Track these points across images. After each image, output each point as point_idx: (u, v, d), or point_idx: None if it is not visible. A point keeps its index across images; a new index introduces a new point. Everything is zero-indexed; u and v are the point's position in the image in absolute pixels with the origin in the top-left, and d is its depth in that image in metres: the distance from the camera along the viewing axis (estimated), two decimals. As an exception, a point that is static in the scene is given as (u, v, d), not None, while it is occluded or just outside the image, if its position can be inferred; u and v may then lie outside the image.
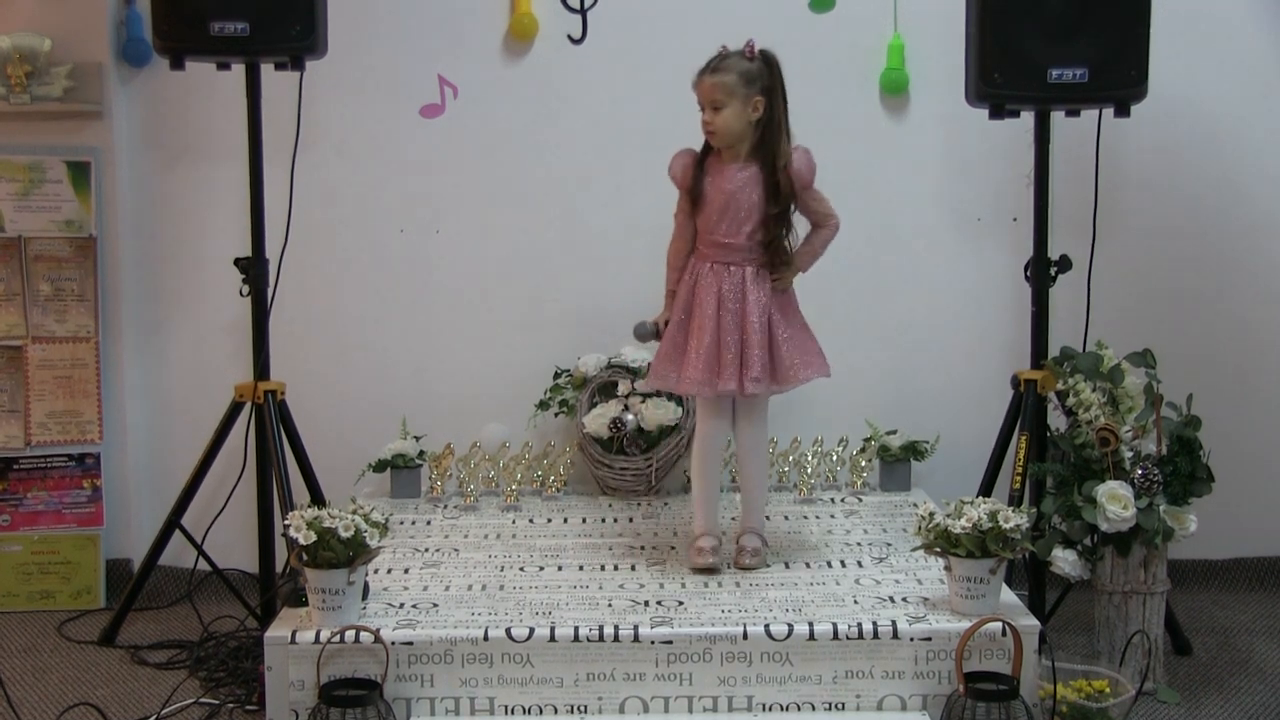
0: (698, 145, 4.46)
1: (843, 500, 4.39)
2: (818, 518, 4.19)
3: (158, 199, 4.55)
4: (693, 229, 3.70)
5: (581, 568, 3.72)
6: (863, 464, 4.48)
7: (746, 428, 3.75)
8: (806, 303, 4.55)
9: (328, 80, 4.30)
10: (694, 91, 3.64)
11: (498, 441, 4.49)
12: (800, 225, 3.76)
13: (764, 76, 3.62)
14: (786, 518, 4.19)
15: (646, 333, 3.76)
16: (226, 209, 4.45)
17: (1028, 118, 3.97)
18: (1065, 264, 4.01)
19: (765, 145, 3.63)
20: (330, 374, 4.57)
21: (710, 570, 3.65)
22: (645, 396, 4.40)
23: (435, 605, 3.42)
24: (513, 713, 3.23)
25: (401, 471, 4.44)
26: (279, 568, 4.05)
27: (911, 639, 3.21)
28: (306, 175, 4.23)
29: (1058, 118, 4.01)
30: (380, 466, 4.44)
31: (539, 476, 4.48)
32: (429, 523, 4.20)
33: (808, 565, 3.72)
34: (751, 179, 3.63)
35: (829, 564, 3.73)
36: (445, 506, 4.37)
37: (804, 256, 3.74)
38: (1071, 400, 3.77)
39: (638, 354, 4.45)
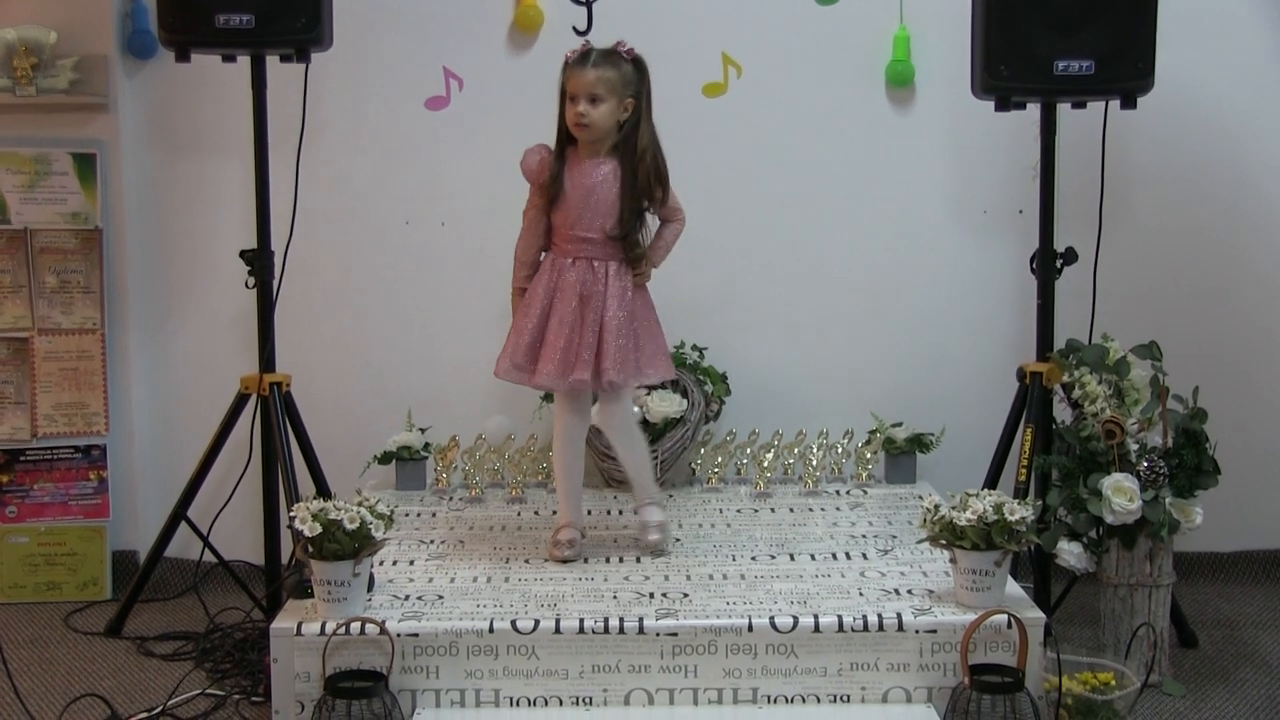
0: (699, 139, 4.50)
1: (848, 493, 4.39)
2: (823, 510, 4.19)
3: (163, 191, 4.56)
4: (545, 224, 3.70)
5: (586, 560, 3.72)
6: (868, 456, 4.48)
7: (609, 418, 3.76)
8: (806, 296, 4.58)
9: (333, 73, 4.30)
10: (564, 82, 3.62)
11: (503, 434, 4.49)
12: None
13: (637, 80, 3.64)
14: (791, 510, 4.19)
15: None
16: (232, 201, 4.46)
17: (1033, 110, 3.96)
18: (1071, 256, 4.00)
19: (627, 143, 3.64)
20: (335, 366, 4.57)
21: (567, 562, 3.67)
22: (650, 389, 4.40)
23: (440, 597, 3.42)
24: (518, 705, 3.23)
25: (407, 464, 4.45)
26: (285, 560, 4.05)
27: (917, 631, 3.21)
28: (312, 167, 4.22)
29: (1063, 110, 4.00)
30: (386, 459, 4.44)
31: (544, 469, 4.48)
32: (434, 515, 4.20)
33: (813, 557, 3.72)
34: (611, 174, 3.63)
35: (834, 556, 3.73)
36: (450, 499, 4.38)
37: (658, 252, 3.75)
38: (1077, 393, 3.77)
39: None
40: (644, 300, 3.74)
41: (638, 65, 3.64)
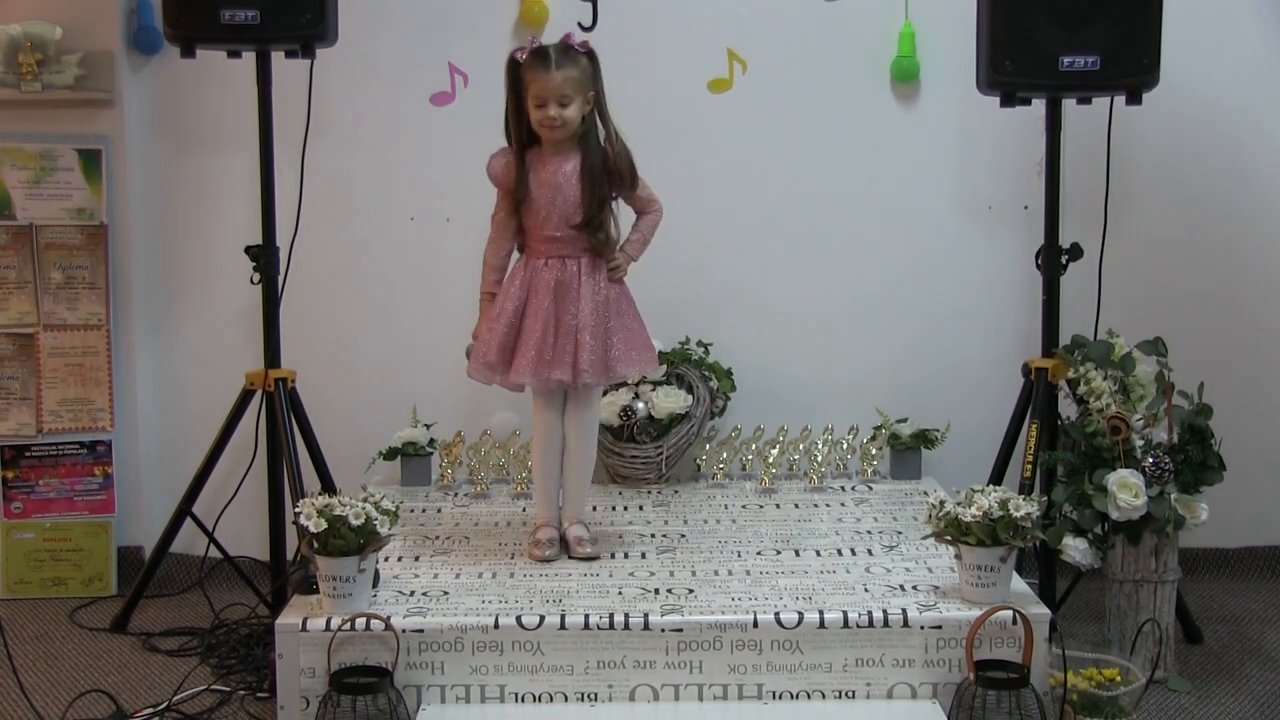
0: (704, 135, 4.50)
1: (853, 488, 4.39)
2: (828, 506, 4.19)
3: (169, 187, 4.56)
4: (514, 227, 3.68)
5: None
6: (873, 452, 4.47)
7: (575, 417, 3.73)
8: (811, 292, 4.57)
9: (338, 68, 4.30)
10: (524, 84, 3.57)
11: (508, 429, 4.49)
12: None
13: (593, 72, 3.62)
14: (797, 505, 4.19)
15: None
16: (237, 197, 4.46)
17: (1039, 105, 3.96)
18: (1076, 252, 4.00)
19: (589, 135, 3.62)
20: (341, 362, 4.57)
21: (547, 561, 3.65)
22: (656, 385, 4.40)
23: (446, 593, 3.42)
24: (523, 700, 3.23)
25: (412, 459, 4.45)
26: (290, 555, 4.05)
27: (922, 627, 3.21)
28: (317, 163, 4.23)
29: (1069, 105, 4.00)
30: (391, 454, 4.44)
31: (549, 464, 4.48)
32: (439, 510, 4.21)
33: (818, 553, 3.72)
34: (575, 169, 3.62)
35: (839, 552, 3.72)
36: (456, 494, 4.38)
37: (635, 245, 3.73)
38: (1082, 388, 3.77)
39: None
40: (620, 294, 3.70)
41: (591, 57, 3.62)
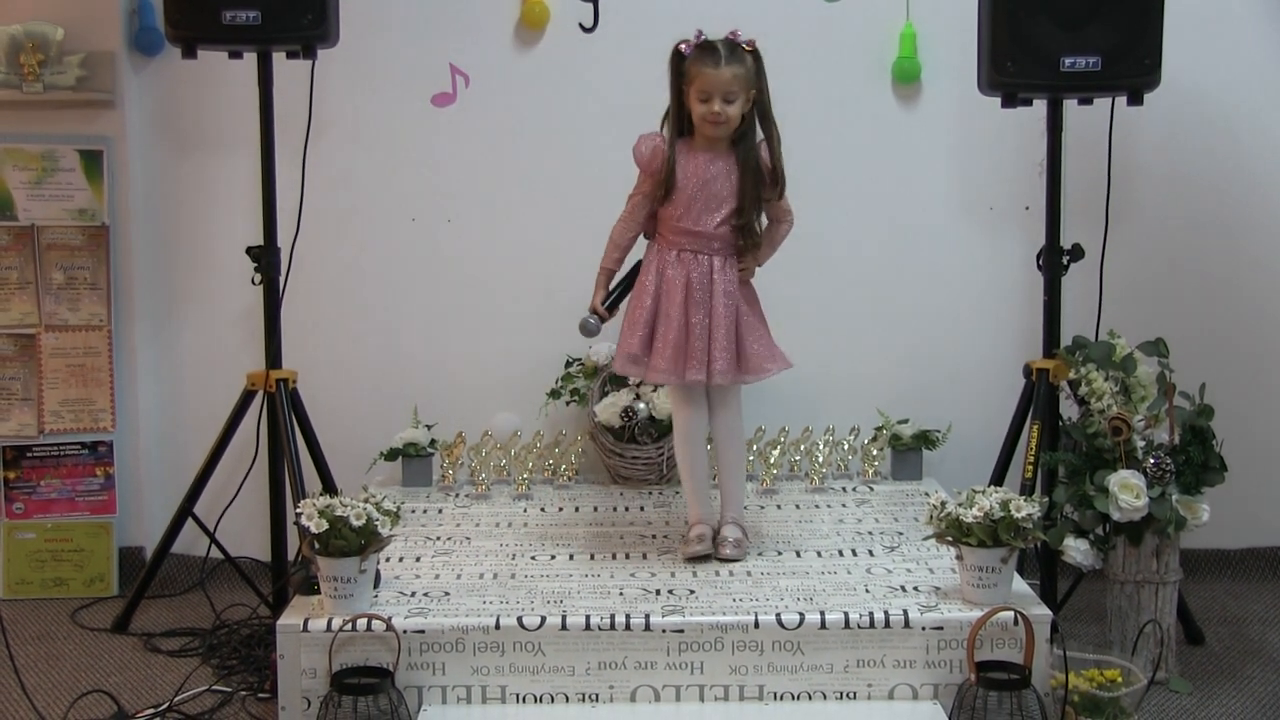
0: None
1: (854, 489, 4.38)
2: (829, 506, 4.19)
3: (170, 188, 4.56)
4: (647, 211, 3.68)
5: (593, 556, 3.73)
6: (874, 453, 4.47)
7: (721, 417, 3.73)
8: (812, 292, 4.57)
9: (339, 69, 4.30)
10: (699, 79, 3.56)
11: (509, 430, 4.49)
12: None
13: (758, 72, 3.60)
14: (798, 506, 4.19)
15: (594, 327, 3.71)
16: (238, 198, 4.46)
17: (1040, 106, 3.96)
18: (1077, 253, 4.00)
19: (746, 136, 3.61)
20: (342, 363, 4.57)
21: (698, 558, 3.65)
22: (657, 385, 4.40)
23: (447, 594, 3.42)
24: (524, 701, 3.23)
25: (413, 460, 4.45)
26: (291, 556, 4.05)
27: (923, 628, 3.21)
28: (318, 164, 4.23)
29: (1070, 106, 4.00)
30: (392, 455, 4.44)
31: (550, 465, 4.48)
32: (440, 511, 4.21)
33: (819, 554, 3.71)
34: (727, 168, 3.60)
35: (840, 553, 3.72)
36: (457, 495, 4.38)
37: (764, 250, 3.72)
38: (1084, 389, 3.77)
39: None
40: (750, 295, 3.71)
41: (756, 56, 3.61)
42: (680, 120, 3.64)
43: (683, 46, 3.60)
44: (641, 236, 3.74)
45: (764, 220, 3.70)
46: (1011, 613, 3.18)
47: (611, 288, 3.74)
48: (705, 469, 3.79)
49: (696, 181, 3.60)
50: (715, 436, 3.77)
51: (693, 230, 3.62)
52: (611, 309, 3.73)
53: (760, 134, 3.62)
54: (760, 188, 3.62)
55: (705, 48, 3.57)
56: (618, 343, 3.72)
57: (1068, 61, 3.76)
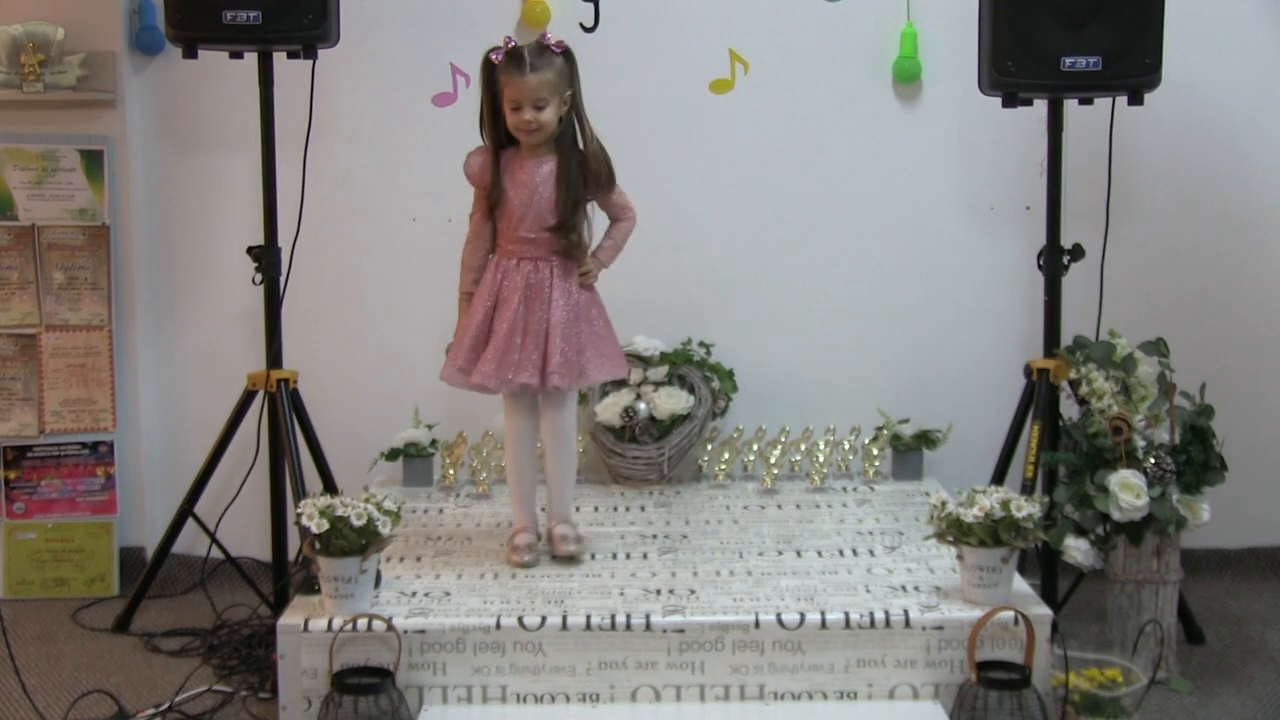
0: (706, 135, 4.50)
1: (855, 489, 4.39)
2: (830, 506, 4.19)
3: (171, 188, 4.56)
4: (490, 228, 3.65)
5: (593, 556, 3.73)
6: (875, 453, 4.47)
7: (550, 419, 3.69)
8: (813, 292, 4.57)
9: (340, 69, 4.30)
10: (499, 86, 3.53)
11: (510, 430, 4.49)
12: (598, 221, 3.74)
13: (570, 73, 3.57)
14: (798, 506, 4.19)
15: None
16: (239, 198, 4.46)
17: (1041, 106, 3.96)
18: (1078, 253, 4.00)
19: (565, 137, 3.59)
20: (343, 362, 4.57)
21: (527, 567, 3.62)
22: (658, 385, 4.40)
23: (447, 593, 3.43)
24: (525, 701, 3.23)
25: (414, 460, 4.45)
26: (292, 556, 4.06)
27: (924, 628, 3.21)
28: (319, 164, 4.23)
29: (1071, 106, 4.00)
30: (393, 455, 4.45)
31: (551, 465, 4.48)
32: (441, 511, 4.21)
33: (819, 554, 3.72)
34: (551, 171, 3.59)
35: (841, 553, 3.72)
36: (458, 495, 4.38)
37: (607, 251, 3.70)
38: (1084, 389, 3.77)
39: (650, 343, 4.46)
40: (591, 300, 3.68)
41: (567, 57, 3.58)
42: (498, 130, 3.61)
43: (493, 55, 3.56)
44: None
45: (587, 224, 3.66)
46: (1012, 612, 3.18)
47: None
48: (532, 477, 3.76)
49: (526, 189, 3.58)
50: (545, 440, 3.72)
51: (527, 238, 3.60)
52: None
53: (580, 134, 3.59)
54: (581, 189, 3.59)
55: (512, 55, 3.53)
56: (450, 351, 3.68)
57: (1068, 61, 3.76)
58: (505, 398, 3.71)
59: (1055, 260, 3.99)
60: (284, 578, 3.96)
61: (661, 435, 4.42)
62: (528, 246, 3.61)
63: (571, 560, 3.65)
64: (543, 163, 3.60)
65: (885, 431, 4.49)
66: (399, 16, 4.50)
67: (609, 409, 4.39)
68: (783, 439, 4.48)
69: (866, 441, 4.51)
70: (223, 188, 4.54)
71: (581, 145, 3.61)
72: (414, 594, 3.42)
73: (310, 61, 3.96)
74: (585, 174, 3.60)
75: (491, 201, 3.62)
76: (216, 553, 4.20)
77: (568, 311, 3.60)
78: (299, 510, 3.26)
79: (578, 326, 3.62)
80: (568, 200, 3.58)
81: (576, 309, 3.62)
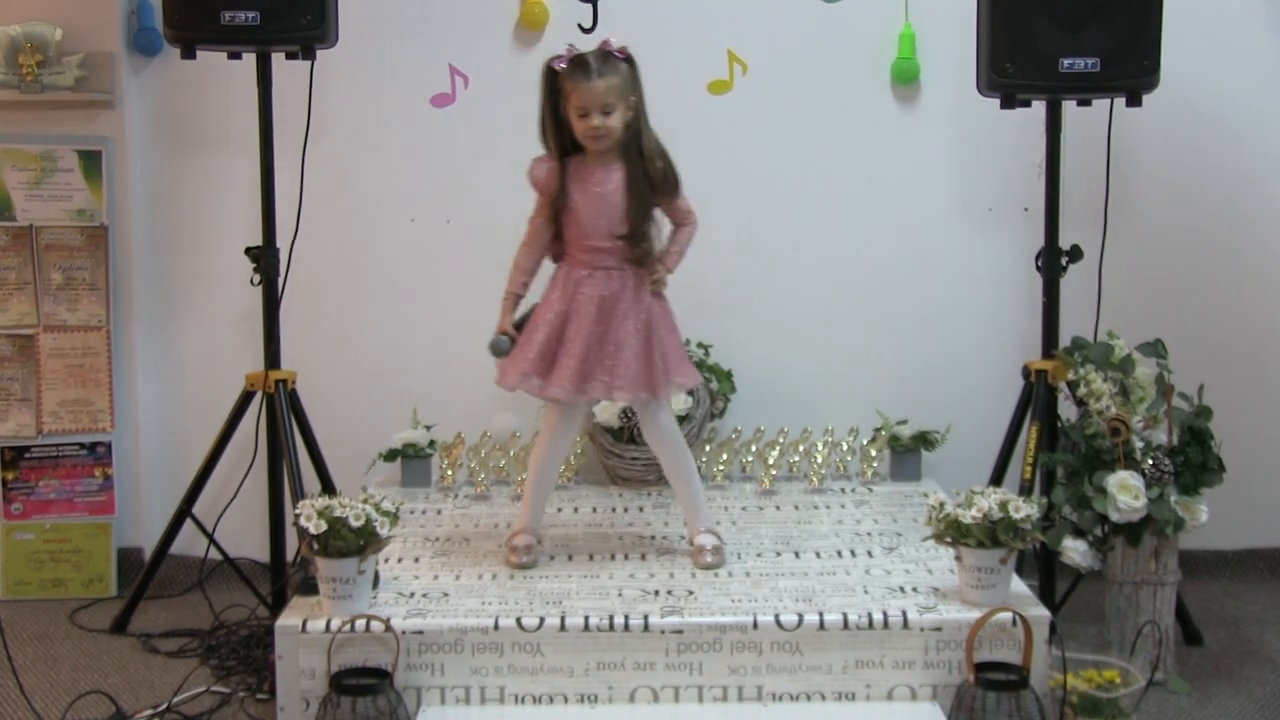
0: (704, 136, 4.50)
1: (853, 490, 4.39)
2: (828, 507, 4.19)
3: (169, 188, 4.56)
4: (549, 234, 3.64)
5: (592, 557, 3.73)
6: (873, 454, 4.47)
7: (649, 429, 3.70)
8: (812, 293, 4.58)
9: (339, 69, 4.30)
10: (565, 93, 3.52)
11: (508, 431, 4.49)
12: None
13: (634, 78, 3.57)
14: (797, 507, 4.19)
15: (505, 348, 3.66)
16: (238, 198, 4.46)
17: (1039, 107, 3.96)
18: (1076, 254, 4.00)
19: (631, 145, 3.58)
20: (341, 363, 4.57)
21: (524, 568, 3.62)
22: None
23: (446, 594, 3.43)
24: (523, 702, 3.23)
25: (412, 461, 4.45)
26: (290, 557, 4.06)
27: (922, 629, 3.21)
28: (317, 164, 4.23)
29: (1069, 107, 4.00)
30: (391, 456, 4.45)
31: (549, 466, 4.48)
32: (440, 512, 4.21)
33: (818, 555, 3.72)
34: (622, 180, 3.58)
35: (839, 554, 3.72)
36: (456, 496, 4.38)
37: (673, 257, 3.68)
38: (1082, 390, 3.77)
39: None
40: (664, 309, 3.67)
41: (631, 63, 3.57)
42: (560, 137, 3.59)
43: (554, 63, 3.55)
44: (550, 260, 3.70)
45: (656, 231, 3.65)
46: (1010, 613, 3.18)
47: (523, 311, 3.69)
48: (551, 482, 3.79)
49: (596, 199, 3.57)
50: (657, 451, 3.73)
51: (599, 247, 3.59)
52: (520, 328, 3.67)
53: (650, 142, 3.59)
54: (648, 196, 3.59)
55: (577, 62, 3.52)
56: (509, 358, 3.65)
57: (1066, 63, 3.77)
58: (552, 408, 3.68)
59: (1053, 261, 3.99)
60: (282, 578, 3.97)
61: (660, 436, 4.41)
62: (599, 255, 3.59)
63: (709, 569, 3.62)
64: (611, 170, 3.58)
65: (883, 432, 4.49)
66: (397, 17, 4.50)
67: (607, 410, 4.39)
68: (781, 440, 4.48)
69: (865, 442, 4.51)
70: (221, 188, 4.53)
71: (645, 152, 3.59)
72: (412, 595, 3.42)
73: (309, 62, 3.96)
74: (651, 181, 3.59)
75: (557, 208, 3.60)
76: (215, 553, 4.20)
77: (641, 324, 3.59)
78: (297, 511, 3.26)
79: (658, 334, 3.61)
80: (638, 209, 3.57)
81: (650, 320, 3.61)
